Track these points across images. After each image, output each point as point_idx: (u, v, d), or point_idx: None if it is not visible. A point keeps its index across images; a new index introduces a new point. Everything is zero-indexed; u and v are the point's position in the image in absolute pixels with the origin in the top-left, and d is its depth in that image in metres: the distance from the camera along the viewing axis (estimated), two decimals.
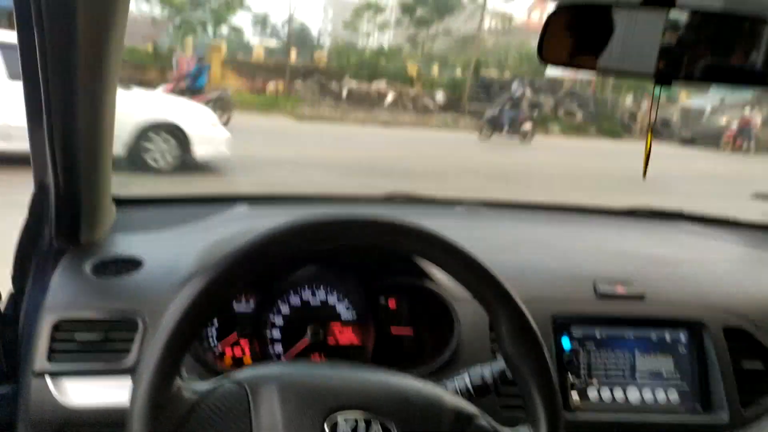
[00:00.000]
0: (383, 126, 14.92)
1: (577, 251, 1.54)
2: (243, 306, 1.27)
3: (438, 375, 1.12)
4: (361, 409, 0.78)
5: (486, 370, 0.93)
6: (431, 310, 1.29)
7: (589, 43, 0.97)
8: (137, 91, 7.79)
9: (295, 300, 1.29)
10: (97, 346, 1.12)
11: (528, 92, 14.91)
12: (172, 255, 1.29)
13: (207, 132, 7.62)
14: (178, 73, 14.22)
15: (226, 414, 0.76)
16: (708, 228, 1.88)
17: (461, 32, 24.11)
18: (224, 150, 7.64)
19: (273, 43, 24.60)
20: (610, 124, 17.96)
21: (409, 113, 17.02)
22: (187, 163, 7.36)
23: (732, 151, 15.09)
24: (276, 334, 1.27)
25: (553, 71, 15.72)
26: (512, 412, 1.07)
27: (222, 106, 12.26)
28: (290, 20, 21.44)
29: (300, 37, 24.11)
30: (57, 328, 1.12)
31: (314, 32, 30.65)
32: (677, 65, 0.93)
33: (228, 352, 1.26)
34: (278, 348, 1.27)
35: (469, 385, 0.93)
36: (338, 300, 1.30)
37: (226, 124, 11.98)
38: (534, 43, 0.97)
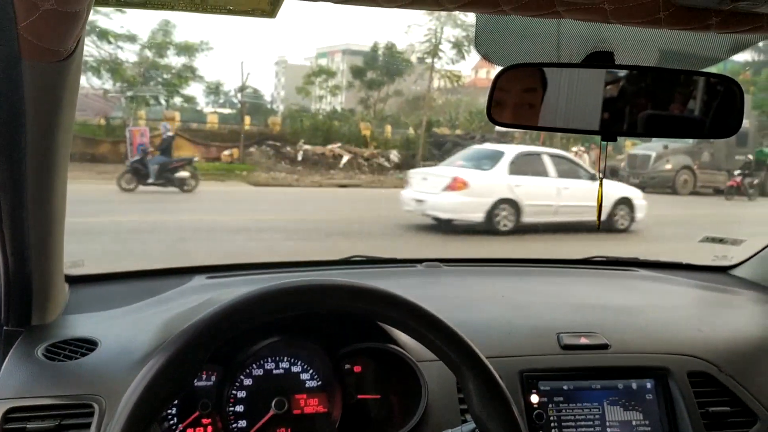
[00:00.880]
0: (339, 187, 15.00)
1: (537, 304, 1.55)
2: (204, 381, 1.23)
3: None
4: None
5: None
6: (397, 373, 1.27)
7: (535, 102, 1.00)
8: None
9: (258, 372, 1.25)
10: None
11: None
12: (129, 333, 1.25)
13: None
14: (136, 144, 14.10)
15: None
16: (664, 273, 1.92)
17: (412, 92, 24.77)
18: None
19: (227, 110, 24.77)
20: None
21: (364, 173, 17.20)
22: None
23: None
24: (239, 408, 1.23)
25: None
26: None
27: (191, 171, 12.29)
28: (243, 87, 21.61)
29: (253, 104, 24.33)
30: (7, 417, 1.06)
31: (267, 98, 31.04)
32: (620, 119, 0.97)
33: None
34: (242, 423, 1.22)
35: None
36: (302, 369, 1.27)
37: (192, 190, 12.03)
38: (482, 99, 1.00)
